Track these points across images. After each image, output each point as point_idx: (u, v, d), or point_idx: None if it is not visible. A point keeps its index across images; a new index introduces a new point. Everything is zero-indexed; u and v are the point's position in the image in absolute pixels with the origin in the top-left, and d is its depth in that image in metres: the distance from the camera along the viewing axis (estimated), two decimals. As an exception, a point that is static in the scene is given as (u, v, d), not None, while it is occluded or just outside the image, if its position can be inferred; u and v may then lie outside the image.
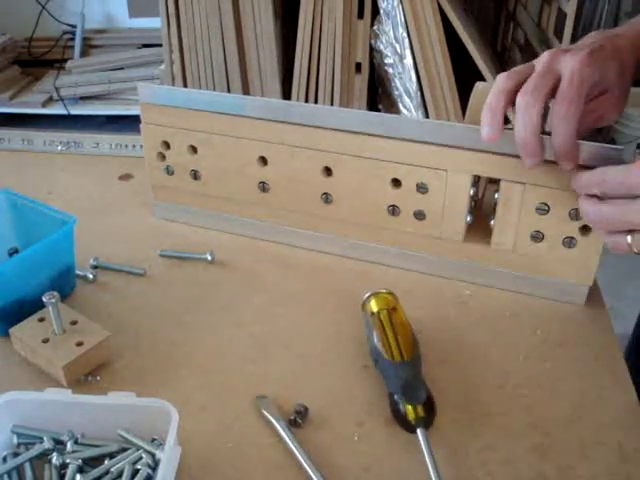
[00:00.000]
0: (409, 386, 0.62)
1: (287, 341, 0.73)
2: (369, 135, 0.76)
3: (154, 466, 0.56)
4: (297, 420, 0.62)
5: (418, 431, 0.59)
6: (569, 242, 0.74)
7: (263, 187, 0.85)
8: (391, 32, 1.03)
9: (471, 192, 0.76)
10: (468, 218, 0.78)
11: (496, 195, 0.75)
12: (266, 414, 0.63)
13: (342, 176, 0.80)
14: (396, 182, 0.78)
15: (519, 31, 1.34)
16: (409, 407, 0.61)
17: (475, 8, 1.43)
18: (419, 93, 1.05)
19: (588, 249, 0.74)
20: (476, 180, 0.78)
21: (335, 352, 0.71)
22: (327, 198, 0.82)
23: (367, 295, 0.73)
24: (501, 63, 1.40)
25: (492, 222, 0.77)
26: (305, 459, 0.58)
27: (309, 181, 0.82)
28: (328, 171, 0.81)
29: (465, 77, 1.06)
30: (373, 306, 0.72)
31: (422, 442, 0.58)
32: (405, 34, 1.02)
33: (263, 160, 0.83)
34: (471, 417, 0.64)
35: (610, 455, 0.60)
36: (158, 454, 0.56)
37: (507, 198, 0.74)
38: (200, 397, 0.66)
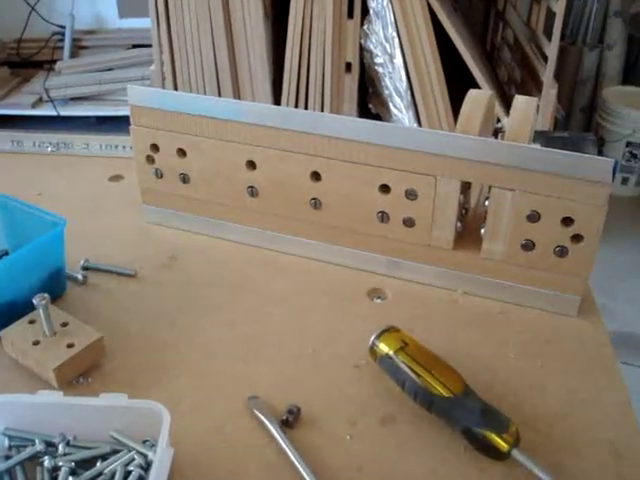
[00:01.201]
0: (488, 415, 0.60)
1: (278, 341, 0.73)
2: (358, 141, 0.76)
3: (146, 467, 0.56)
4: (289, 420, 0.62)
5: (513, 453, 0.58)
6: (560, 251, 0.72)
7: (252, 192, 0.84)
8: (381, 32, 1.04)
9: (461, 199, 0.75)
10: (458, 225, 0.77)
11: (486, 202, 0.75)
12: (258, 414, 0.63)
13: (331, 181, 0.79)
14: (385, 188, 0.78)
15: (508, 30, 1.35)
16: (494, 437, 0.58)
17: (464, 7, 1.43)
18: (409, 92, 1.06)
19: (580, 258, 0.72)
20: (466, 187, 0.77)
21: (327, 352, 0.71)
22: (316, 203, 0.81)
23: (372, 339, 0.67)
24: (491, 62, 1.40)
25: (482, 230, 0.76)
26: (298, 459, 0.58)
27: (298, 186, 0.81)
28: (317, 176, 0.80)
29: (455, 76, 1.06)
30: (384, 348, 0.66)
31: (523, 460, 0.58)
32: (395, 34, 1.02)
33: (252, 164, 0.83)
34: (463, 415, 0.64)
35: (601, 452, 0.61)
36: (150, 455, 0.56)
37: (497, 205, 0.73)
38: (192, 398, 0.66)
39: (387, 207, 0.78)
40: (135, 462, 0.56)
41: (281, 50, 1.09)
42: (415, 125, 1.13)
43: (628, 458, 0.60)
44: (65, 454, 0.57)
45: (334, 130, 0.76)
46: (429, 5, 1.01)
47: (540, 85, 1.06)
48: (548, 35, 1.10)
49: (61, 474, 0.56)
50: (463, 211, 0.78)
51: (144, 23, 1.20)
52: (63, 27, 1.33)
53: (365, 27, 1.05)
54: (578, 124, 2.72)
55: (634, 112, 2.46)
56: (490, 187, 0.73)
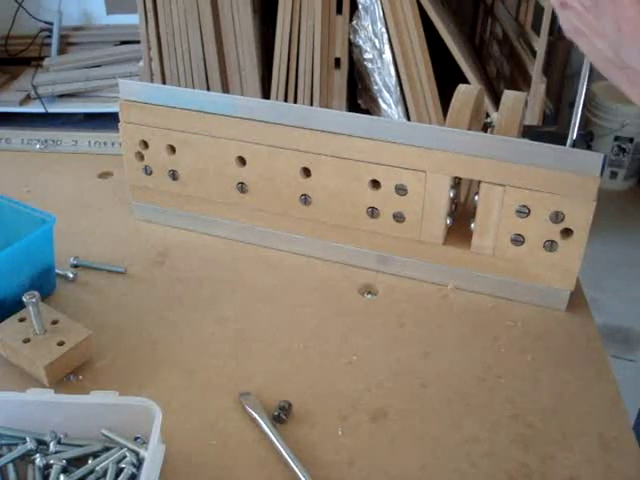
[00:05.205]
0: None
1: (270, 337, 0.73)
2: (348, 135, 0.76)
3: (138, 465, 0.56)
4: (281, 416, 0.62)
5: None
6: (550, 245, 0.73)
7: (242, 188, 0.84)
8: (370, 27, 1.04)
9: (451, 194, 0.75)
10: (448, 221, 0.77)
11: (476, 197, 0.75)
12: (250, 411, 0.63)
13: (321, 177, 0.79)
14: (375, 183, 0.77)
15: (497, 25, 1.35)
16: None
17: (453, 3, 1.43)
18: (398, 87, 1.06)
19: (569, 253, 0.73)
20: (456, 182, 0.77)
21: (318, 348, 0.71)
22: (306, 199, 0.81)
23: None
24: (480, 57, 1.40)
25: (472, 225, 0.76)
26: (290, 455, 0.59)
27: (288, 182, 0.81)
28: (307, 172, 0.80)
29: (444, 71, 1.06)
30: None
31: None
32: (384, 29, 1.02)
33: (241, 160, 0.82)
34: (454, 409, 0.64)
35: (591, 445, 0.61)
36: (142, 452, 0.56)
37: (487, 200, 0.73)
38: (183, 395, 0.66)
39: (377, 202, 0.78)
40: (127, 459, 0.56)
41: (270, 46, 1.09)
42: (404, 120, 1.14)
43: (617, 450, 0.60)
44: (56, 452, 0.57)
45: (324, 124, 0.76)
46: (418, 1, 1.01)
47: (529, 80, 1.06)
48: (537, 30, 1.10)
49: (53, 472, 0.56)
50: (453, 206, 0.78)
51: (132, 19, 1.20)
52: (51, 24, 1.32)
53: (354, 23, 1.05)
54: (567, 119, 2.72)
55: (622, 107, 2.47)
56: (480, 182, 0.73)
